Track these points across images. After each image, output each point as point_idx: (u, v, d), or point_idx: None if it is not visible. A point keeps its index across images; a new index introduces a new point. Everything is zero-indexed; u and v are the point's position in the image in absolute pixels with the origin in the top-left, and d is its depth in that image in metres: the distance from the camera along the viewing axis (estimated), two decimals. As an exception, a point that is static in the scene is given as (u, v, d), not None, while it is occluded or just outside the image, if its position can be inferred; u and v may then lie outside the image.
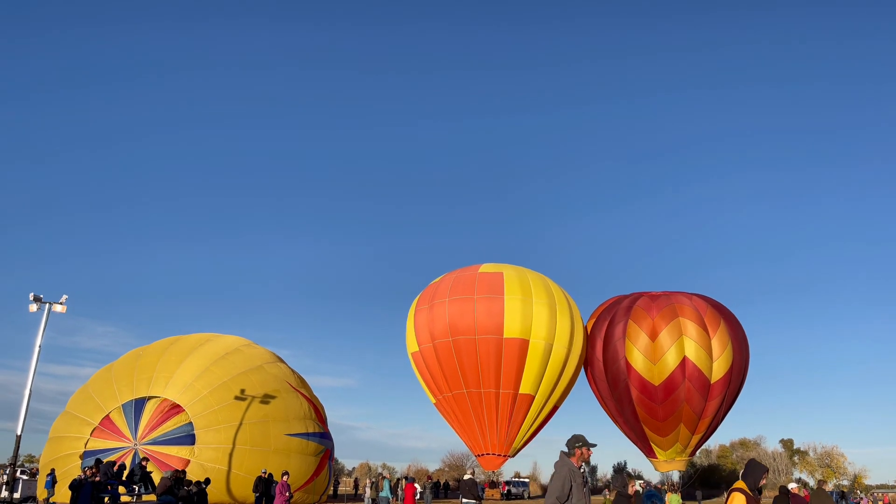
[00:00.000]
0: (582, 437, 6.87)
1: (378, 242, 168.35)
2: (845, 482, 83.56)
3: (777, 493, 15.67)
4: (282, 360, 34.79)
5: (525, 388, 28.91)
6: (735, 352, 30.49)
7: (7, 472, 24.42)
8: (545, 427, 32.30)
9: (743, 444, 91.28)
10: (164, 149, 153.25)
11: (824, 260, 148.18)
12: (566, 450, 6.84)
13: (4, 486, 23.86)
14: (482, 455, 30.10)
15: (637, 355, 29.82)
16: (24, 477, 27.39)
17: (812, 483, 68.97)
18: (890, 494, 34.98)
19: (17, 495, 23.40)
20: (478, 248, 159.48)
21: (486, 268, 31.03)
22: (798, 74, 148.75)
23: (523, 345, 28.56)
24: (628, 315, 30.93)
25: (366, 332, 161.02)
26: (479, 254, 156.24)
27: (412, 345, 31.39)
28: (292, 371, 34.31)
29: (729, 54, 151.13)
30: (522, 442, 30.84)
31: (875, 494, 35.34)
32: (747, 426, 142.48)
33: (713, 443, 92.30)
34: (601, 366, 30.91)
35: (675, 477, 68.98)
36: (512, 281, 29.65)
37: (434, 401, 31.30)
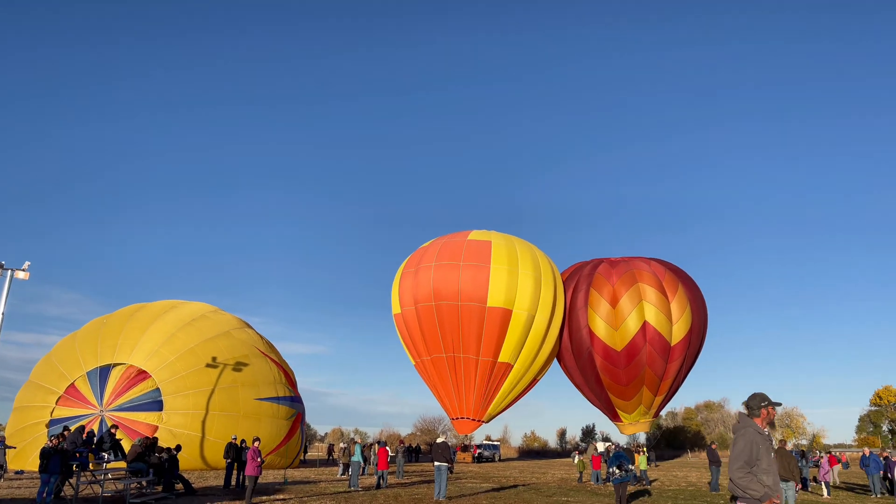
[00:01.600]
0: (765, 395, 6.12)
1: (350, 210, 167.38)
2: (804, 442, 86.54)
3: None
4: (249, 326, 34.54)
5: (504, 356, 29.14)
6: (694, 314, 30.94)
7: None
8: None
9: (707, 406, 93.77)
10: (127, 112, 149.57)
11: (784, 224, 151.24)
12: (746, 410, 6.04)
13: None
14: (457, 419, 30.36)
15: (599, 322, 30.16)
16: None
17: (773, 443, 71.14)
18: (847, 453, 36.21)
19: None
20: (442, 215, 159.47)
21: (476, 235, 30.94)
22: (746, 34, 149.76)
23: (506, 314, 28.72)
24: (589, 283, 31.12)
25: (337, 300, 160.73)
26: (440, 221, 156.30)
27: (395, 306, 31.47)
28: (260, 336, 34.12)
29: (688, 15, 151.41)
30: (498, 409, 31.15)
31: (834, 453, 36.53)
32: (712, 389, 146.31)
33: (679, 405, 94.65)
34: (566, 335, 31.31)
35: (641, 438, 70.73)
36: (500, 250, 29.64)
37: (414, 363, 31.47)
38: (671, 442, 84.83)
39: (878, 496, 22.18)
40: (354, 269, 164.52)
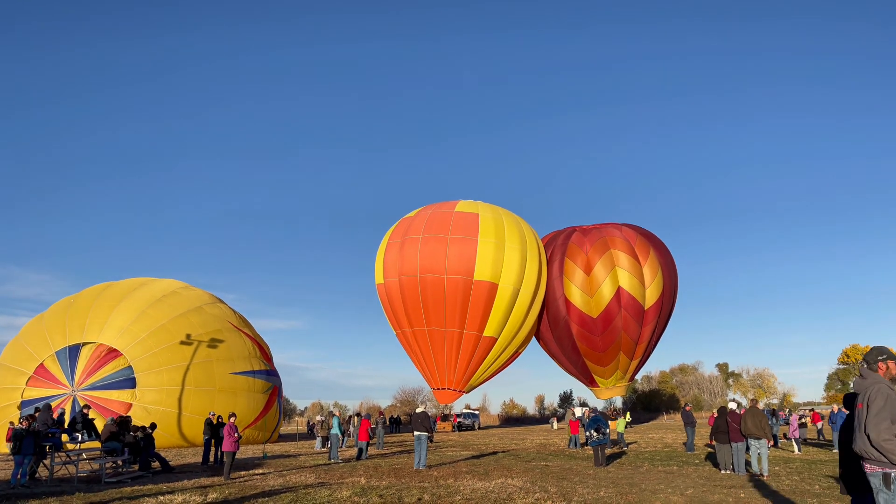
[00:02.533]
0: (885, 348, 5.39)
1: (325, 182, 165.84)
2: (775, 401, 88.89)
3: (716, 413, 16.30)
4: (221, 301, 34.14)
5: (489, 330, 29.13)
6: (665, 277, 31.46)
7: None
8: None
9: (682, 369, 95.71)
10: (90, 81, 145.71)
11: (751, 185, 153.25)
12: (866, 364, 5.38)
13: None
14: (439, 390, 30.43)
15: (575, 291, 30.41)
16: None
17: (745, 403, 72.97)
18: (818, 410, 37.14)
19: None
20: (425, 187, 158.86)
21: (463, 206, 30.51)
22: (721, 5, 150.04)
23: (492, 288, 28.60)
24: (564, 252, 31.34)
25: (313, 274, 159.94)
26: (418, 192, 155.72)
27: (379, 276, 31.12)
28: (233, 311, 33.76)
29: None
30: (480, 380, 31.28)
31: (803, 411, 37.57)
32: (686, 353, 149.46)
33: (654, 369, 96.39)
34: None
35: (618, 402, 71.99)
36: (487, 223, 29.33)
37: (396, 333, 31.33)
38: (647, 405, 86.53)
39: None
40: (329, 243, 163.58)
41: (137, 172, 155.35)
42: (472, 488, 12.98)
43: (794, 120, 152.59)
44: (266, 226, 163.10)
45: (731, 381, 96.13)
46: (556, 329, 31.38)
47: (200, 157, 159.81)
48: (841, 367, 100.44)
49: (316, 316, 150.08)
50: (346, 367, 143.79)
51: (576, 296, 30.26)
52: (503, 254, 28.91)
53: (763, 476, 14.43)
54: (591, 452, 23.37)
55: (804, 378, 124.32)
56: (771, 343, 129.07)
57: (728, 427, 15.31)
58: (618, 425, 27.84)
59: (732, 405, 15.91)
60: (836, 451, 22.62)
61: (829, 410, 26.50)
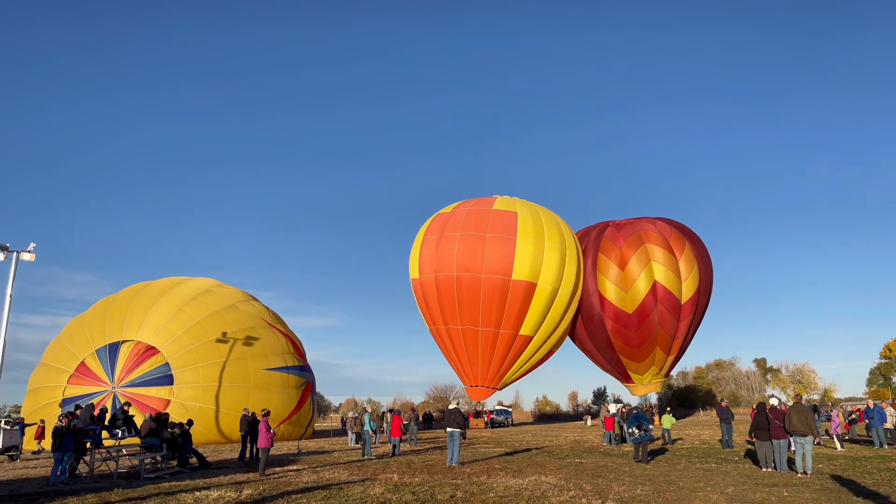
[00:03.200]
0: None
1: (355, 182, 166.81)
2: (815, 396, 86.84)
3: (756, 408, 15.89)
4: (255, 299, 34.49)
5: (526, 329, 28.77)
6: (701, 271, 30.96)
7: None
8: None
9: (718, 364, 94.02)
10: (131, 87, 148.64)
11: (789, 183, 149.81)
12: None
13: (-16, 436, 23.61)
14: (472, 387, 30.22)
15: (609, 286, 29.98)
16: (6, 427, 27.17)
17: (784, 398, 71.47)
18: (860, 406, 36.12)
19: (-2, 445, 23.17)
20: (456, 184, 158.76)
21: (501, 204, 30.03)
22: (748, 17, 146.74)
23: (530, 287, 28.23)
24: (597, 247, 30.93)
25: (346, 272, 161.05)
26: (446, 189, 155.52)
27: (414, 271, 30.77)
28: (266, 308, 34.07)
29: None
30: (513, 378, 31.01)
31: (844, 406, 36.55)
32: (722, 348, 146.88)
33: (689, 364, 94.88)
34: None
35: (653, 399, 70.98)
36: (526, 222, 28.90)
37: (430, 328, 31.12)
38: (682, 401, 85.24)
39: (887, 447, 22.01)
40: (361, 241, 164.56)
41: (173, 176, 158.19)
42: (506, 485, 12.85)
43: (832, 112, 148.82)
44: (302, 224, 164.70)
45: (769, 376, 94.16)
46: (589, 325, 30.94)
47: (235, 159, 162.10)
48: (883, 361, 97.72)
49: (350, 313, 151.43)
50: (380, 364, 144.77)
51: (610, 291, 29.81)
52: (542, 253, 28.49)
53: (807, 474, 14.02)
54: (628, 449, 23.12)
55: (846, 373, 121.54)
56: (811, 338, 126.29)
57: (769, 423, 14.90)
58: (664, 422, 27.38)
59: (773, 401, 15.49)
60: (878, 447, 21.93)
61: (865, 406, 25.67)
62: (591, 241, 31.55)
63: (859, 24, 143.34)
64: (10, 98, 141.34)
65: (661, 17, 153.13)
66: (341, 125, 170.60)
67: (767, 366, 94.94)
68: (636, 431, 18.09)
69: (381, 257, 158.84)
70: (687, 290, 30.07)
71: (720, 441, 25.87)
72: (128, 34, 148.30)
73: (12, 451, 23.69)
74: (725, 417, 23.30)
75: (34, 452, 25.95)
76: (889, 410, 23.47)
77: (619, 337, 30.28)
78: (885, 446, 22.10)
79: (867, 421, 23.75)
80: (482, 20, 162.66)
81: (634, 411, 19.76)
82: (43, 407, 27.60)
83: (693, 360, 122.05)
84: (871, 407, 23.29)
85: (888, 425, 22.93)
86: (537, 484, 13.05)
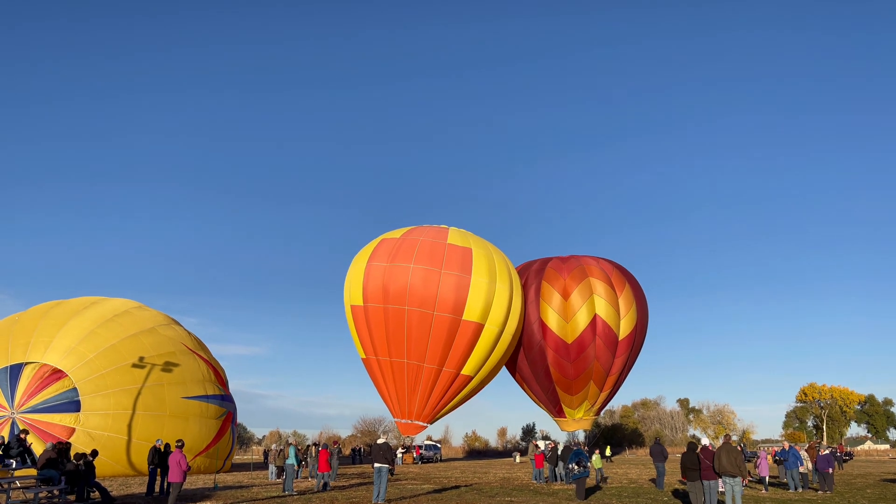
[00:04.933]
0: None
1: (287, 207, 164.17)
2: (734, 437, 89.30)
3: (686, 448, 15.78)
4: (177, 323, 32.81)
5: (468, 369, 28.41)
6: (638, 311, 32.03)
7: None
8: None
9: (644, 403, 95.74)
10: (39, 96, 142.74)
11: (715, 224, 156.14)
12: None
13: None
14: (404, 421, 29.30)
15: (551, 314, 30.43)
16: None
17: (705, 440, 72.99)
18: (775, 448, 37.06)
19: None
20: (380, 210, 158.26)
21: (455, 238, 29.29)
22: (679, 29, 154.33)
23: (478, 329, 27.92)
24: (541, 276, 31.44)
25: (275, 300, 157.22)
26: (380, 217, 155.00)
27: (356, 297, 29.17)
28: (188, 333, 32.43)
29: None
30: (444, 413, 30.46)
31: (756, 448, 37.57)
32: (647, 388, 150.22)
33: (616, 403, 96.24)
34: None
35: (581, 436, 71.40)
36: (480, 260, 28.50)
37: (363, 357, 29.91)
38: (609, 440, 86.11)
39: (801, 490, 22.09)
40: (292, 267, 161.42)
41: (100, 184, 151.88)
42: (435, 526, 12.17)
43: (748, 150, 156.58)
44: (231, 248, 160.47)
45: (691, 416, 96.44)
46: (530, 352, 31.22)
47: (164, 178, 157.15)
48: (799, 405, 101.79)
49: (278, 341, 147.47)
50: (307, 395, 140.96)
51: (552, 320, 30.25)
52: (493, 294, 28.29)
53: (738, 516, 13.89)
54: (557, 487, 22.76)
55: (763, 415, 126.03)
56: (731, 380, 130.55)
57: (700, 464, 14.77)
58: (594, 461, 27.13)
59: (705, 441, 15.42)
60: (793, 490, 22.00)
61: (781, 447, 25.94)
62: (535, 272, 32.12)
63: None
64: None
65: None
66: (280, 147, 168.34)
67: (690, 406, 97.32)
68: (575, 468, 17.93)
69: (312, 283, 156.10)
70: (625, 328, 30.99)
71: (651, 481, 25.85)
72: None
73: None
74: (659, 456, 23.13)
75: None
76: (803, 454, 23.72)
77: (557, 367, 30.61)
78: (800, 489, 22.20)
79: (781, 463, 23.90)
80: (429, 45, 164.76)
81: (574, 447, 19.59)
82: (-68, 432, 25.18)
83: (620, 399, 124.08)
84: (787, 449, 23.39)
85: (803, 469, 23.11)
86: (467, 524, 12.42)
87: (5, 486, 15.38)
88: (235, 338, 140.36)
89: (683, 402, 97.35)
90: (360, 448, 58.37)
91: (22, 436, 18.28)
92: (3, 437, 20.03)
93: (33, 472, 17.76)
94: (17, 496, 16.15)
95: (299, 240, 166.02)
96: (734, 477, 13.95)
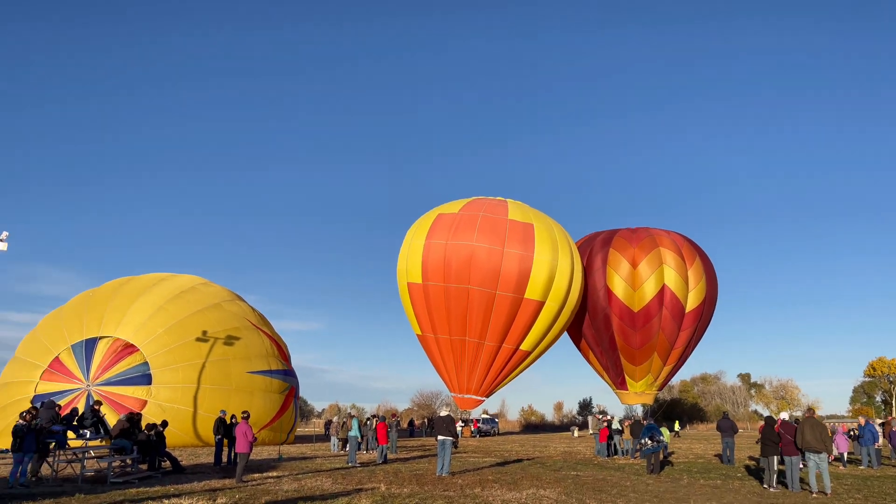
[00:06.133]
0: None
1: (343, 184, 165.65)
2: (798, 413, 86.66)
3: (763, 423, 15.12)
4: (241, 298, 33.39)
5: (526, 345, 27.94)
6: (708, 284, 31.35)
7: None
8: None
9: (704, 378, 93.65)
10: (116, 84, 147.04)
11: (783, 198, 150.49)
12: None
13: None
14: (461, 396, 29.10)
15: (618, 282, 30.01)
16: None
17: (784, 415, 71.02)
18: (847, 424, 35.61)
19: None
20: (447, 181, 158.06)
21: (515, 213, 28.43)
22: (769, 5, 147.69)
23: (539, 306, 27.33)
24: (608, 245, 31.02)
25: (332, 276, 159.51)
26: (447, 187, 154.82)
27: (414, 275, 28.36)
28: (252, 309, 32.98)
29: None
30: (501, 386, 30.20)
31: (833, 424, 36.19)
32: (707, 362, 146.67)
33: (675, 378, 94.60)
34: None
35: (640, 411, 70.29)
36: (542, 237, 27.68)
37: (419, 333, 29.65)
38: (668, 415, 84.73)
39: (875, 467, 21.09)
40: (348, 243, 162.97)
41: (160, 171, 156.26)
42: (503, 499, 11.95)
43: (823, 125, 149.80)
44: (288, 226, 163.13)
45: (753, 391, 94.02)
46: (594, 320, 30.81)
47: (221, 157, 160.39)
48: (867, 379, 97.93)
49: (335, 318, 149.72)
50: (364, 370, 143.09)
51: (619, 287, 29.74)
52: (555, 271, 27.59)
53: (826, 494, 13.13)
54: (622, 462, 22.32)
55: (829, 390, 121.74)
56: (795, 354, 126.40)
57: (782, 439, 14.08)
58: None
59: (784, 415, 14.71)
60: (866, 467, 21.05)
61: (857, 423, 24.88)
62: (602, 241, 31.73)
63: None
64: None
65: (667, 15, 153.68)
66: (330, 125, 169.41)
67: (752, 381, 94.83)
68: (649, 442, 17.60)
69: (367, 259, 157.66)
70: (693, 300, 30.27)
71: (717, 456, 25.12)
72: (127, 33, 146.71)
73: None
74: (728, 430, 22.35)
75: (2, 451, 24.71)
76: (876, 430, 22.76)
77: (622, 335, 30.15)
78: (875, 466, 21.26)
79: (856, 439, 22.99)
80: (485, 21, 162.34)
81: (645, 422, 19.24)
82: (14, 402, 26.30)
83: (679, 372, 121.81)
84: (863, 425, 22.45)
85: (878, 445, 22.19)
86: (537, 498, 12.15)
87: (80, 455, 15.87)
88: (294, 314, 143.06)
89: (745, 377, 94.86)
90: (427, 419, 58.63)
91: (96, 407, 18.82)
92: (77, 409, 20.77)
93: (107, 442, 18.34)
94: (91, 465, 16.70)
95: (356, 213, 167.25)
96: (818, 453, 13.20)
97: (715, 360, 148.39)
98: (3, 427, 25.02)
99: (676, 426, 53.06)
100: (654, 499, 12.40)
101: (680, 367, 32.39)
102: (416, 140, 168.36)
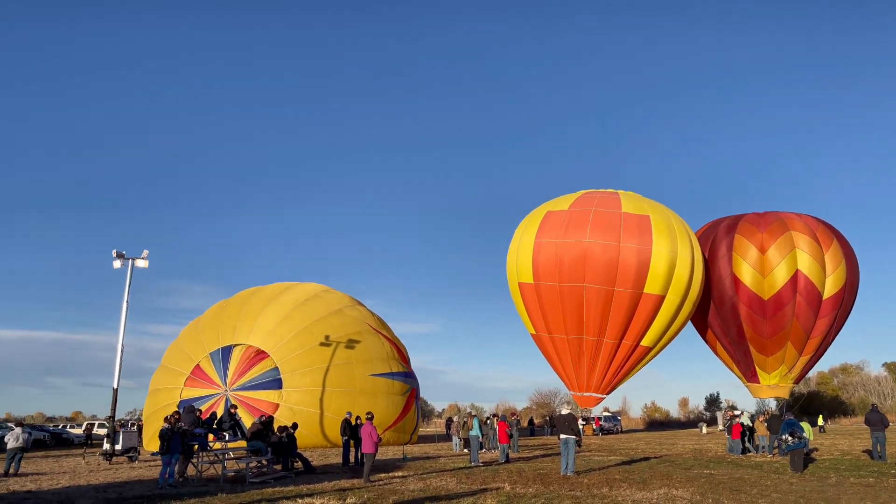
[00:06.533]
0: None
1: (453, 189, 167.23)
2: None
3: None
4: (361, 304, 34.49)
5: (647, 340, 26.91)
6: (848, 269, 28.38)
7: (109, 424, 25.10)
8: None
9: (844, 369, 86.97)
10: (237, 103, 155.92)
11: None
12: None
13: (106, 438, 24.53)
14: (581, 394, 28.45)
15: (746, 269, 27.92)
16: (126, 429, 28.30)
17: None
18: None
19: (118, 447, 24.01)
20: (557, 175, 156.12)
21: (629, 205, 27.44)
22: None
23: (659, 300, 26.28)
24: (734, 231, 28.97)
25: (447, 278, 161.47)
26: (557, 181, 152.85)
27: (525, 275, 27.80)
28: (372, 313, 33.98)
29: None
30: (622, 383, 29.27)
31: None
32: (847, 352, 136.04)
33: (811, 370, 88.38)
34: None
35: (773, 405, 66.11)
36: (660, 229, 26.50)
37: (533, 332, 29.30)
38: (805, 409, 79.24)
39: None
40: (458, 248, 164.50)
41: (280, 187, 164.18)
42: (633, 499, 11.55)
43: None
44: (402, 231, 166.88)
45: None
46: (721, 310, 28.93)
47: (335, 168, 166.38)
48: None
49: (451, 319, 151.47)
50: (481, 370, 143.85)
51: (746, 274, 27.68)
52: (675, 264, 26.32)
53: None
54: (759, 460, 21.06)
55: None
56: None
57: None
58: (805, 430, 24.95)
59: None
60: None
61: None
62: (726, 227, 29.66)
63: None
64: (136, 103, 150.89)
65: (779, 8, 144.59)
66: (442, 130, 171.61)
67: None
68: (789, 439, 16.51)
69: (480, 259, 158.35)
70: (831, 286, 27.51)
71: (865, 452, 23.23)
72: (260, 39, 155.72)
73: (131, 452, 24.44)
74: (878, 424, 20.56)
75: (153, 454, 26.77)
76: None
77: (751, 324, 28.05)
78: None
79: None
80: (590, 17, 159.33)
81: (785, 417, 18.10)
82: (162, 408, 28.49)
83: (816, 365, 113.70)
84: None
85: None
86: (669, 498, 11.66)
87: (220, 456, 16.90)
88: (410, 317, 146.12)
89: (891, 367, 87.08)
90: (532, 419, 58.18)
91: (232, 410, 19.99)
92: (216, 413, 22.15)
93: (243, 444, 19.44)
94: (230, 466, 17.75)
95: (465, 216, 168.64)
96: None
97: (856, 350, 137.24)
98: (154, 431, 27.17)
99: (820, 420, 49.53)
100: (801, 499, 11.56)
101: (819, 357, 30.01)
102: (525, 138, 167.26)
